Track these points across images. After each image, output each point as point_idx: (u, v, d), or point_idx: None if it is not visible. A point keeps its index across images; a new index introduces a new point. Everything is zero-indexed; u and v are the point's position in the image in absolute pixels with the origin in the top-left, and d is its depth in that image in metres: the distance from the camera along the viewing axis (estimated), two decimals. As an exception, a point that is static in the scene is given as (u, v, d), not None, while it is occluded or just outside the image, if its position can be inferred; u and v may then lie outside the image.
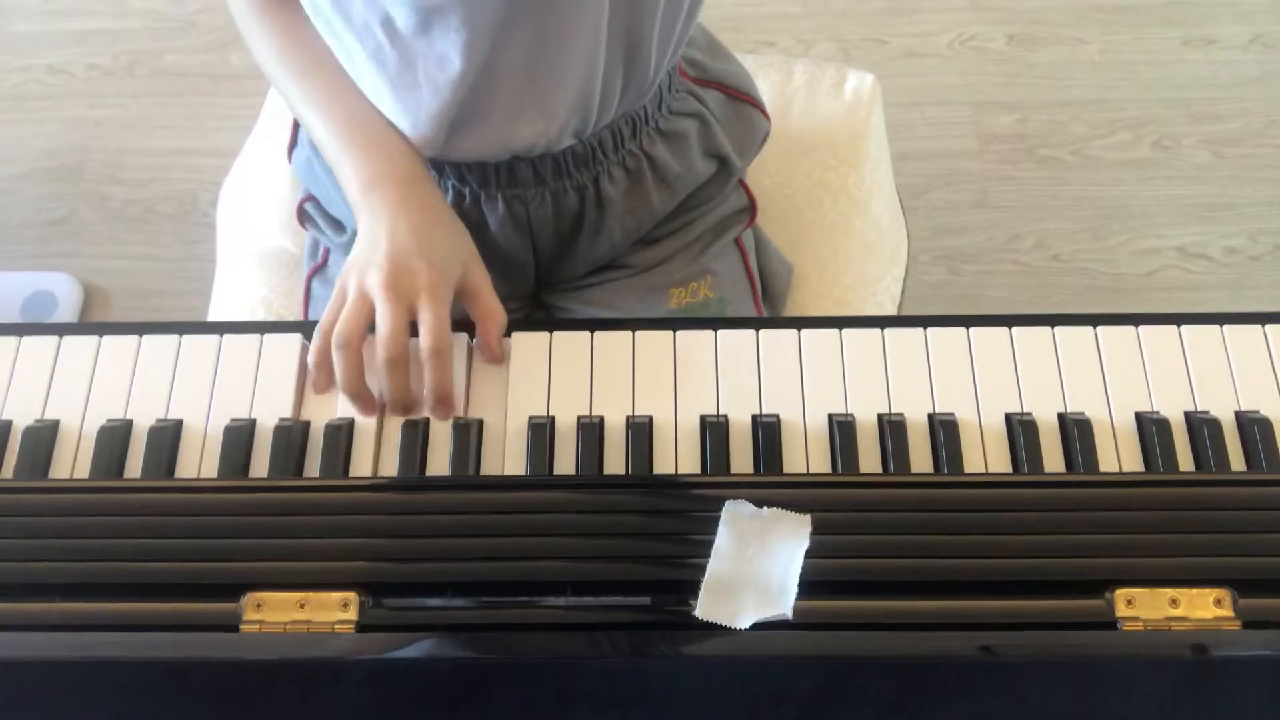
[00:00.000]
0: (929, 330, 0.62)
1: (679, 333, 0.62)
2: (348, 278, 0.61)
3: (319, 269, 0.82)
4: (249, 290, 0.89)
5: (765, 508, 0.51)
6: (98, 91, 1.62)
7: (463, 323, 0.63)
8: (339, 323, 0.59)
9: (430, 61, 0.61)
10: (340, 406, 0.61)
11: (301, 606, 0.50)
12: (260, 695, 0.49)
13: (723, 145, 0.78)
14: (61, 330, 0.63)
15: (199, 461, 0.59)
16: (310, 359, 0.61)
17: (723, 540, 0.51)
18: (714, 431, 0.59)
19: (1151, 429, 0.58)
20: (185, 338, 0.63)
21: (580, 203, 0.73)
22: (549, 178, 0.71)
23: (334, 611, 0.50)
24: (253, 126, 0.98)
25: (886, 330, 0.62)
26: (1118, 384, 0.60)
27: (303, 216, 0.83)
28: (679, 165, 0.75)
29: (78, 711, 0.49)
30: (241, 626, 0.49)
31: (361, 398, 0.59)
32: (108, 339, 0.63)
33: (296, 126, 0.82)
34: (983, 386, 0.60)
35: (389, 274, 0.59)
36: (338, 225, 0.80)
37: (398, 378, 0.59)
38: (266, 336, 0.63)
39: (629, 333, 0.63)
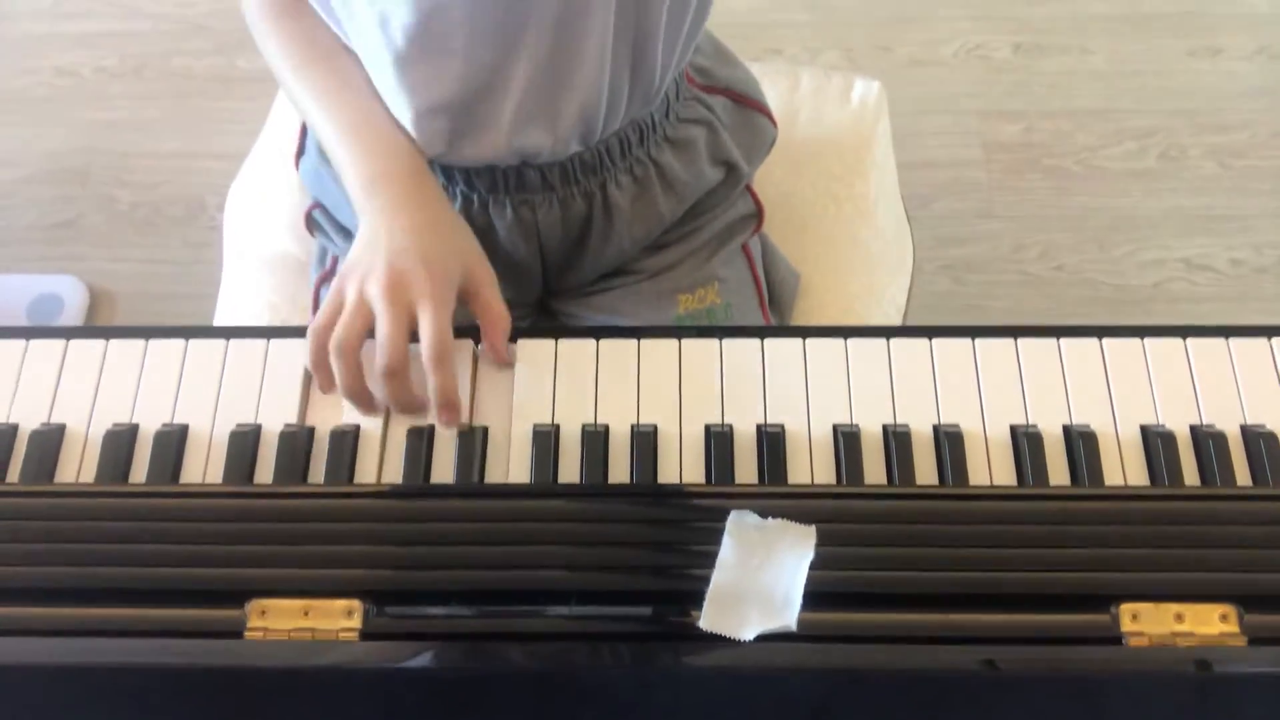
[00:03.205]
0: (934, 340, 0.62)
1: (684, 341, 0.62)
2: (346, 281, 0.60)
3: (327, 276, 0.82)
4: (255, 295, 0.90)
5: (770, 518, 0.51)
6: (105, 94, 1.62)
7: (466, 329, 0.63)
8: (337, 329, 0.58)
9: (432, 58, 0.61)
10: (346, 412, 0.61)
11: (306, 614, 0.50)
12: (264, 702, 0.49)
13: (730, 152, 0.78)
14: (68, 334, 0.63)
15: (204, 467, 0.59)
16: (309, 363, 0.60)
17: (727, 551, 0.51)
18: (718, 441, 0.59)
19: (1157, 442, 0.58)
20: (191, 342, 0.63)
21: (588, 209, 0.73)
22: (557, 184, 0.71)
23: (338, 619, 0.49)
24: (261, 130, 0.99)
25: (892, 340, 0.62)
26: (1123, 396, 0.60)
27: (311, 224, 0.83)
28: (687, 173, 0.75)
29: (80, 716, 0.49)
30: (245, 633, 0.49)
31: (362, 399, 0.59)
32: (114, 343, 0.63)
33: (304, 134, 0.82)
34: (988, 398, 0.60)
35: (388, 280, 0.58)
36: (346, 233, 0.80)
37: (396, 386, 0.58)
38: (272, 342, 0.63)
39: (634, 341, 0.63)
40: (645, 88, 0.68)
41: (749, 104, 0.81)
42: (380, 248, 0.60)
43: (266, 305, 0.89)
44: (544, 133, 0.66)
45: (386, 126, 0.65)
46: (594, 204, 0.73)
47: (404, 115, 0.65)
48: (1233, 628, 0.49)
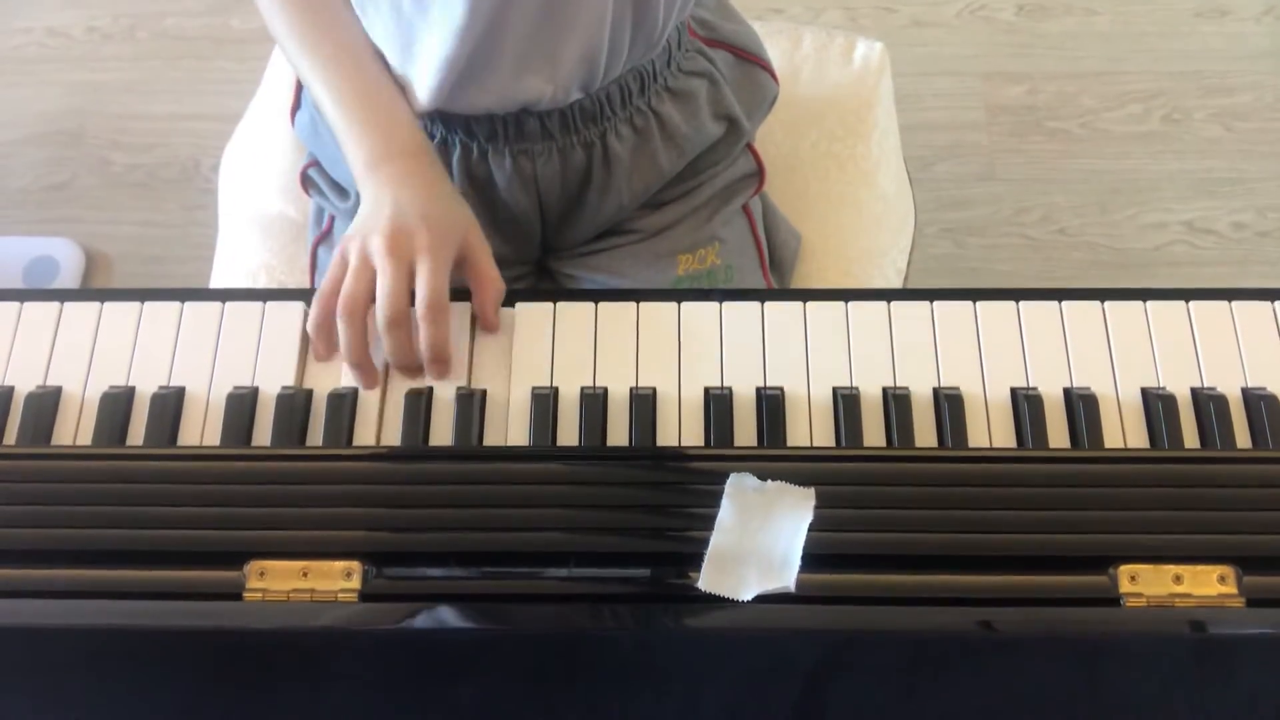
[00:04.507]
0: (935, 303, 0.62)
1: (684, 304, 0.62)
2: (349, 244, 0.61)
3: (324, 237, 0.81)
4: (251, 257, 0.89)
5: (769, 480, 0.51)
6: (98, 55, 1.60)
7: (464, 293, 0.62)
8: (343, 291, 0.59)
9: (440, 9, 0.61)
10: (344, 375, 0.60)
11: (304, 575, 0.50)
12: (262, 663, 0.49)
13: (732, 106, 0.77)
14: (63, 296, 0.63)
15: (201, 429, 0.59)
16: (310, 326, 0.60)
17: (726, 513, 0.51)
18: (718, 404, 0.58)
19: (1157, 405, 0.58)
20: (188, 304, 0.63)
21: (587, 160, 0.73)
22: (556, 133, 0.70)
23: (337, 580, 0.50)
24: (254, 91, 0.98)
25: (893, 303, 0.62)
26: (1124, 359, 0.60)
27: (306, 182, 0.82)
28: (687, 125, 0.75)
29: (78, 678, 0.49)
30: (244, 595, 0.49)
31: (364, 368, 0.59)
32: (110, 305, 0.63)
33: (299, 88, 0.81)
34: (988, 361, 0.60)
35: (389, 237, 0.59)
36: (341, 191, 0.79)
37: (397, 338, 0.59)
38: (269, 304, 0.63)
39: (634, 303, 0.62)
40: (648, 32, 0.67)
41: (750, 59, 0.81)
42: (383, 211, 0.61)
43: (262, 267, 0.88)
44: (544, 79, 0.66)
45: (386, 101, 0.65)
46: (593, 154, 0.72)
47: (408, 67, 0.64)
48: (1231, 589, 0.49)
